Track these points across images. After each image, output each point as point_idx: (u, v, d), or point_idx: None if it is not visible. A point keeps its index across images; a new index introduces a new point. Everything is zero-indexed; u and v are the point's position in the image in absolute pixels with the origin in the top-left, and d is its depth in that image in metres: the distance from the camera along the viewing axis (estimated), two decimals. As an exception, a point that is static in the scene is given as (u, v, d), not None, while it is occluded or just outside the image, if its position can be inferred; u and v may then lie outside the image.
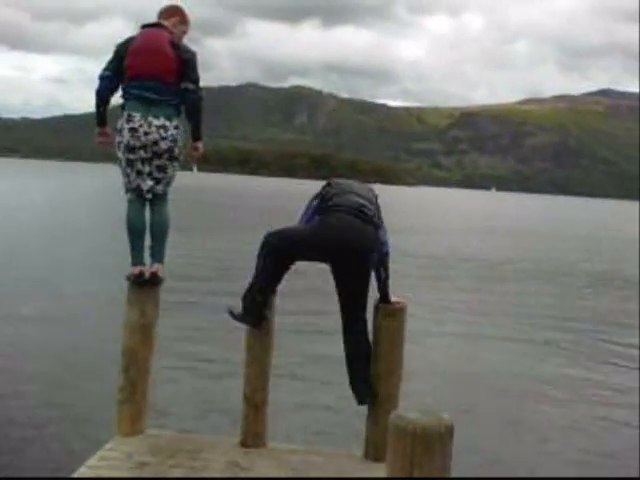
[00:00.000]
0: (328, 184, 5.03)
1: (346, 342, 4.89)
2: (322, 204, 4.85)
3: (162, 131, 5.05)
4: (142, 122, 5.01)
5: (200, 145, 5.36)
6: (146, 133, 5.01)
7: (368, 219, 4.74)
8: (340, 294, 4.83)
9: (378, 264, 4.85)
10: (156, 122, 5.03)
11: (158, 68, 5.07)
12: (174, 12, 5.40)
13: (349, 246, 4.66)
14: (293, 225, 4.95)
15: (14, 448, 7.21)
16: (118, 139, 5.11)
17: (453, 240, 36.64)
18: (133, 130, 5.01)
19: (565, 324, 15.66)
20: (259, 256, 4.77)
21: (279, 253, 4.70)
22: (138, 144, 5.02)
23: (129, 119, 5.03)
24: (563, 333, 14.64)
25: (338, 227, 4.66)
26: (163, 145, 5.08)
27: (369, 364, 4.89)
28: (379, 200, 5.07)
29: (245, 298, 4.86)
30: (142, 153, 5.05)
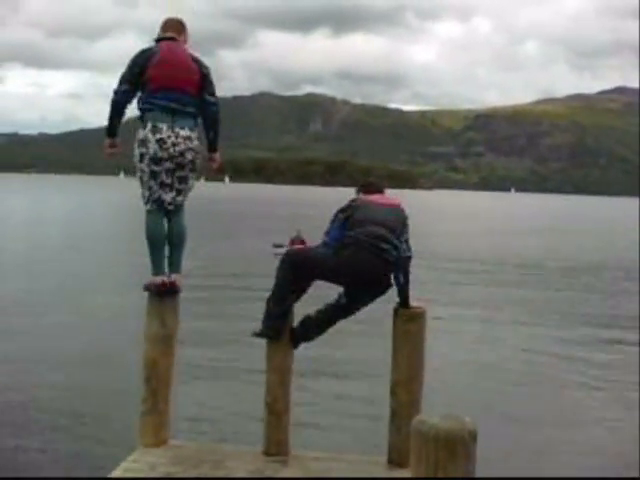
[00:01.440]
0: (354, 201, 5.01)
1: (330, 311, 4.98)
2: (347, 224, 4.84)
3: (188, 142, 5.06)
4: (170, 133, 4.99)
5: (218, 156, 5.42)
6: (174, 144, 5.00)
7: (382, 254, 4.72)
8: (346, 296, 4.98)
9: (397, 269, 4.84)
10: (182, 133, 5.03)
11: (183, 80, 5.08)
12: (183, 28, 5.40)
13: (361, 278, 4.75)
14: (314, 248, 5.00)
15: (36, 463, 7.25)
16: (141, 150, 5.05)
17: (489, 242, 36.52)
18: (161, 141, 4.98)
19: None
20: (278, 270, 4.84)
21: (296, 270, 4.80)
22: (165, 155, 5.00)
23: (155, 130, 4.99)
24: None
25: (351, 263, 4.70)
26: (188, 156, 5.08)
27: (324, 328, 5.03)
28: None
29: (265, 315, 4.91)
30: (168, 164, 5.03)
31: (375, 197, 5.09)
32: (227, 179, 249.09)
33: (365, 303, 4.92)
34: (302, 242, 26.54)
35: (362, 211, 4.88)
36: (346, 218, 4.86)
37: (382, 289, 4.83)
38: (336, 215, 4.93)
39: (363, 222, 4.78)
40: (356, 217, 4.83)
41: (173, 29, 5.33)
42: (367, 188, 5.24)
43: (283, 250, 27.30)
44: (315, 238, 4.96)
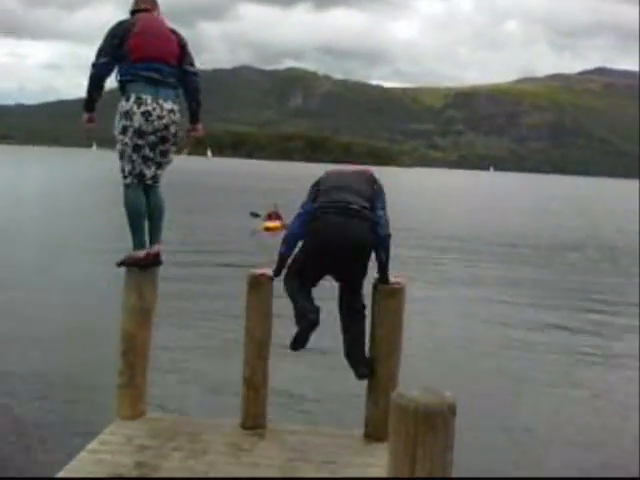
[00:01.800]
0: (325, 174, 5.08)
1: (345, 321, 4.96)
2: (315, 197, 4.89)
3: (172, 115, 5.01)
4: (155, 105, 4.92)
5: (200, 127, 5.36)
6: (159, 117, 4.93)
7: (356, 215, 4.72)
8: (339, 282, 4.97)
9: (378, 246, 4.82)
10: (166, 105, 4.97)
11: (165, 50, 5.02)
12: (156, 4, 5.32)
13: (342, 246, 4.69)
14: (293, 257, 4.93)
15: (14, 431, 7.22)
16: (124, 123, 4.95)
17: (469, 220, 36.68)
18: (146, 114, 4.90)
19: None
20: (285, 290, 4.91)
21: (296, 278, 4.85)
22: (150, 129, 4.92)
23: (139, 102, 4.91)
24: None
25: (326, 231, 4.71)
26: (172, 129, 5.03)
27: (363, 339, 4.96)
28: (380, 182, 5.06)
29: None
30: (152, 138, 4.96)
31: (344, 167, 5.28)
32: (209, 153, 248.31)
33: (359, 274, 4.84)
34: (278, 216, 26.47)
35: (327, 181, 4.97)
36: (316, 190, 4.93)
37: (363, 257, 4.75)
38: (310, 189, 5.00)
39: (327, 190, 4.88)
40: (321, 188, 4.91)
41: (146, 1, 5.25)
42: None
43: (259, 220, 27.34)
44: (294, 212, 4.91)
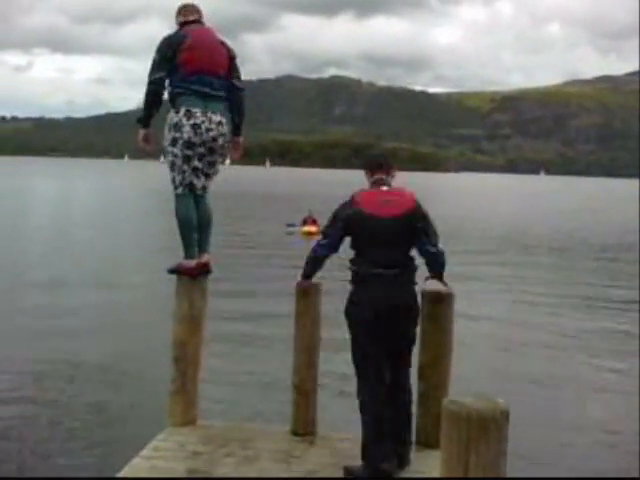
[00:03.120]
0: (352, 205, 4.49)
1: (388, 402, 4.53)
2: (341, 236, 4.53)
3: (220, 127, 5.07)
4: (204, 118, 4.98)
5: (241, 140, 5.42)
6: (208, 130, 4.99)
7: (399, 279, 4.40)
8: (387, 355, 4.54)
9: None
10: (215, 118, 5.03)
11: (216, 63, 5.07)
12: (200, 13, 5.35)
13: (389, 315, 4.38)
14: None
15: (70, 437, 7.35)
16: (174, 135, 5.01)
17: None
18: (195, 126, 4.96)
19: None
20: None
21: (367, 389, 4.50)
22: (199, 141, 4.99)
23: (189, 115, 4.97)
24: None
25: (374, 304, 4.36)
26: (220, 141, 5.09)
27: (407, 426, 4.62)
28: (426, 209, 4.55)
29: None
30: (200, 149, 5.02)
31: (373, 200, 4.50)
32: (268, 163, 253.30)
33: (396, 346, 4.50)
34: (314, 221, 26.96)
35: (364, 229, 4.43)
36: (344, 228, 4.50)
37: (410, 324, 4.52)
38: (334, 217, 4.56)
39: (363, 242, 4.45)
40: (356, 231, 4.47)
41: (195, 13, 5.27)
42: (369, 167, 4.73)
43: (296, 229, 27.72)
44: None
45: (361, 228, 4.44)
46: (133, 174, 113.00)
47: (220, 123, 5.08)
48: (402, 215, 4.41)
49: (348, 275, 4.54)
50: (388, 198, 4.48)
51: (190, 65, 4.99)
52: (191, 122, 4.96)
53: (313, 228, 25.84)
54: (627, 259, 24.49)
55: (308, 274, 4.81)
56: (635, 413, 8.49)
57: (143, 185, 69.51)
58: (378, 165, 4.71)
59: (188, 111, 4.98)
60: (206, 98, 5.02)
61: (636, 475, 6.63)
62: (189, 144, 4.99)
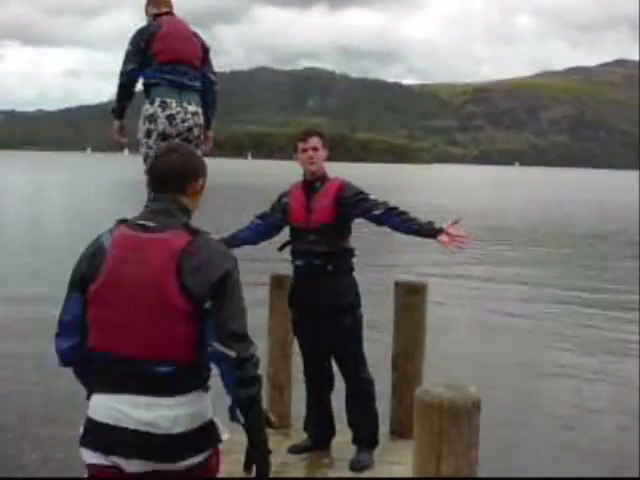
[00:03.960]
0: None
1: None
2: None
3: (196, 118, 5.04)
4: (179, 109, 4.94)
5: (211, 133, 5.38)
6: (183, 120, 4.96)
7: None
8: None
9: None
10: (190, 108, 5.00)
11: (190, 53, 5.03)
12: (171, 5, 5.31)
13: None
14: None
15: (67, 430, 7.27)
16: (148, 127, 4.97)
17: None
18: (170, 117, 4.93)
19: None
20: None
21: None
22: (174, 132, 4.95)
23: (164, 106, 4.93)
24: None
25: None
26: (195, 132, 5.05)
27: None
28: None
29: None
30: (176, 141, 5.00)
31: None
32: (249, 155, 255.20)
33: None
34: None
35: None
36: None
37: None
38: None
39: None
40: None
41: (166, 4, 5.25)
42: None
43: None
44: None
45: None
46: (97, 167, 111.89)
47: (196, 113, 5.04)
48: None
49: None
50: None
51: (165, 54, 4.96)
52: (166, 113, 4.93)
53: None
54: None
55: None
56: (625, 406, 8.55)
57: (110, 178, 68.83)
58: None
59: (163, 102, 4.94)
60: (181, 88, 4.98)
61: (636, 475, 6.69)
62: (164, 136, 4.95)
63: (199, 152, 5.21)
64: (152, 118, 4.96)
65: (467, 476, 2.49)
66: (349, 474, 4.38)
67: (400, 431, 4.89)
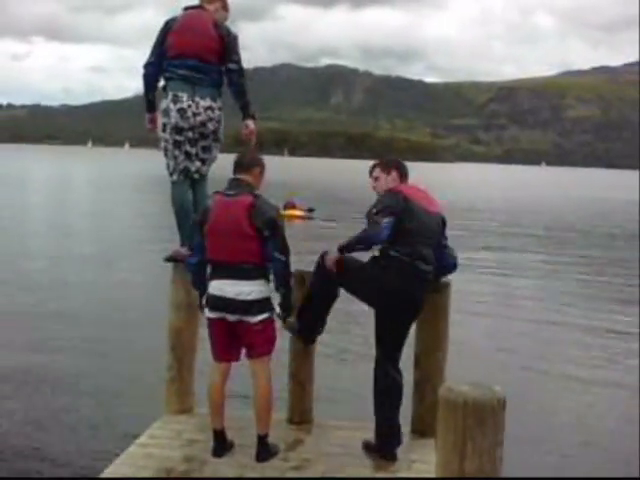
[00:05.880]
0: (405, 199, 4.45)
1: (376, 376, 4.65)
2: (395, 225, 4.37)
3: (210, 112, 5.04)
4: (190, 102, 4.97)
5: (251, 123, 5.25)
6: (195, 114, 4.98)
7: (423, 277, 4.50)
8: (379, 333, 4.62)
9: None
10: (203, 103, 5.00)
11: (199, 46, 5.00)
12: None
13: (397, 306, 4.51)
14: (355, 259, 4.63)
15: (65, 425, 7.34)
16: (164, 120, 5.05)
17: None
18: (182, 111, 4.97)
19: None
20: (314, 274, 4.75)
21: (330, 277, 4.63)
22: (186, 125, 4.99)
23: (176, 99, 4.98)
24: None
25: (391, 288, 4.44)
26: (210, 126, 5.07)
27: (397, 404, 4.60)
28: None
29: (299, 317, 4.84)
30: (190, 134, 5.03)
31: (420, 196, 4.59)
32: (286, 152, 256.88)
33: (391, 329, 4.56)
34: (293, 205, 28.01)
35: (414, 220, 4.44)
36: (398, 220, 4.38)
37: (413, 311, 4.60)
38: (384, 210, 4.39)
39: (413, 237, 4.45)
40: (408, 226, 4.41)
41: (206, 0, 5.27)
42: (402, 172, 4.73)
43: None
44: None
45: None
46: (134, 162, 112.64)
47: (210, 108, 5.04)
48: None
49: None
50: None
51: (173, 49, 5.02)
52: (177, 107, 4.98)
53: (295, 212, 27.71)
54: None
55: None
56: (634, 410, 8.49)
57: (144, 173, 69.19)
58: (404, 168, 4.78)
59: (175, 96, 5.00)
60: (194, 83, 5.00)
61: (636, 475, 6.64)
62: (177, 129, 5.01)
63: (218, 146, 5.24)
64: (166, 112, 5.04)
65: (491, 475, 2.49)
66: (368, 472, 4.38)
67: (422, 429, 4.88)
